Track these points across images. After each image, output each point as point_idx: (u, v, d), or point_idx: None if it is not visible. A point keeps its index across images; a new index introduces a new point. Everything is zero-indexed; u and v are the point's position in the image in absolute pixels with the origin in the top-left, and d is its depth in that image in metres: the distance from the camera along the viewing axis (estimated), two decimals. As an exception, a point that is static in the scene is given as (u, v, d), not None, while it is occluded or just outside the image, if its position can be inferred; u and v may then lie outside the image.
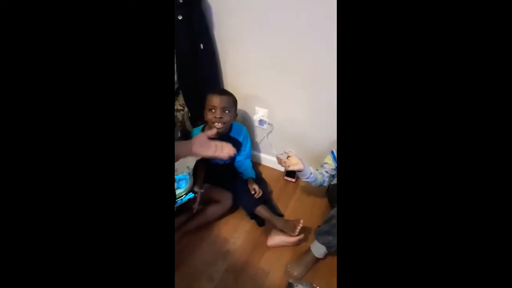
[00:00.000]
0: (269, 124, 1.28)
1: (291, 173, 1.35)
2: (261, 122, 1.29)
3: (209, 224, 1.10)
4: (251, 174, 1.19)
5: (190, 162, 1.10)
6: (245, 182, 1.15)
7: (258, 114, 1.28)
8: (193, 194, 1.04)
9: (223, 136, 1.16)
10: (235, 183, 1.14)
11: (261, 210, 1.07)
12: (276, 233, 1.04)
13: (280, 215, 1.13)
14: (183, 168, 1.07)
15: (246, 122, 1.33)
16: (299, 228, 0.98)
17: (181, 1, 0.97)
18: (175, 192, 0.97)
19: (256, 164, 1.41)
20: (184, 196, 1.04)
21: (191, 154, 0.75)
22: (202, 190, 1.07)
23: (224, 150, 0.78)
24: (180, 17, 1.00)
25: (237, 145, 1.21)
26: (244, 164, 1.23)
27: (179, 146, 0.73)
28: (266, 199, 1.14)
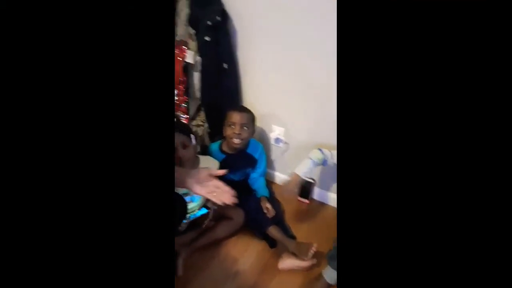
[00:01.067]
0: (285, 143, 1.29)
1: (305, 194, 1.32)
2: (277, 140, 1.30)
3: (220, 242, 1.08)
4: (265, 192, 1.18)
5: None
6: (258, 200, 1.13)
7: (275, 132, 1.29)
8: (206, 210, 1.04)
9: (240, 152, 1.17)
10: (247, 201, 1.13)
11: (273, 231, 1.05)
12: (287, 256, 1.00)
13: (293, 237, 1.09)
14: None
15: (263, 140, 1.34)
16: (312, 252, 0.94)
17: (210, 23, 1.03)
18: (177, 208, 0.96)
19: (270, 182, 1.40)
20: (197, 211, 1.04)
21: (183, 187, 0.67)
22: (216, 207, 1.07)
23: (223, 197, 0.68)
24: (207, 39, 1.06)
25: (252, 161, 1.21)
26: (257, 182, 1.22)
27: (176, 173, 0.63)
28: (279, 220, 1.12)
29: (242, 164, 1.19)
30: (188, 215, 1.01)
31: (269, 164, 1.39)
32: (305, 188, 1.31)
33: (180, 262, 0.96)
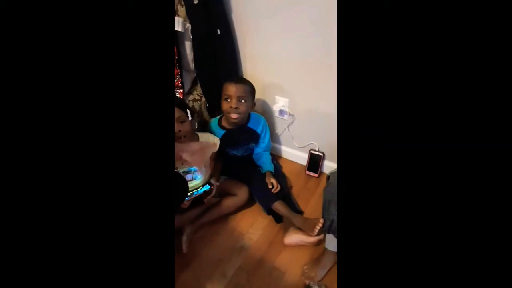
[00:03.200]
0: (290, 114, 1.20)
1: (314, 167, 1.26)
2: (281, 112, 1.21)
3: (225, 217, 1.07)
4: (270, 167, 1.13)
5: None
6: (263, 176, 1.09)
7: (279, 103, 1.20)
8: (209, 187, 1.01)
9: (241, 127, 1.10)
10: (252, 177, 1.09)
11: (279, 206, 1.01)
12: (294, 232, 0.97)
13: (300, 213, 1.05)
14: None
15: (266, 112, 1.26)
16: (318, 227, 0.90)
17: (196, -16, 0.92)
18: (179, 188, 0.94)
19: (276, 157, 1.35)
20: (200, 188, 1.02)
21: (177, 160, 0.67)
22: (218, 183, 1.04)
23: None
24: (195, 1, 0.95)
25: (255, 136, 1.15)
26: (262, 157, 1.17)
27: None
28: (285, 195, 1.07)
29: (243, 139, 1.13)
30: (191, 192, 0.99)
31: (274, 137, 1.33)
32: (314, 161, 1.25)
33: (184, 238, 0.96)
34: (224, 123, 1.12)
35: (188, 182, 1.03)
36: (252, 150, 1.18)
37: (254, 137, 1.15)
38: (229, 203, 1.05)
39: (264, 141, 1.17)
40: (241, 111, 1.02)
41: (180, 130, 0.91)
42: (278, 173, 1.18)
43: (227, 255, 0.96)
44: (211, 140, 1.05)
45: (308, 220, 0.95)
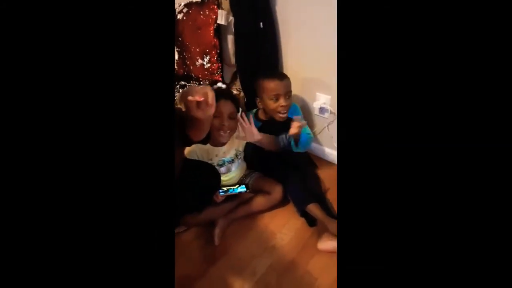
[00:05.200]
0: (331, 113, 1.13)
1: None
2: (322, 110, 1.15)
3: (257, 214, 1.05)
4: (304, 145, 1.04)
5: (237, 145, 1.06)
6: (299, 175, 1.05)
7: (319, 101, 1.14)
8: (246, 189, 1.00)
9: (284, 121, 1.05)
10: (287, 175, 1.06)
11: (314, 209, 0.96)
12: (328, 237, 0.92)
13: (335, 218, 0.99)
14: (230, 151, 1.04)
15: (303, 110, 1.21)
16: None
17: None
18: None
19: (314, 157, 1.29)
20: (236, 187, 1.01)
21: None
22: (249, 190, 1.02)
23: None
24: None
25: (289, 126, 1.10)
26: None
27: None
28: (321, 198, 1.02)
29: (282, 130, 1.09)
30: (226, 188, 0.99)
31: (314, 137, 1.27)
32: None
33: (217, 231, 0.97)
34: (261, 116, 1.09)
35: (223, 175, 1.04)
36: (289, 143, 1.14)
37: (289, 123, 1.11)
38: (262, 201, 1.03)
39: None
40: (288, 108, 1.00)
41: (226, 125, 0.91)
42: (314, 175, 1.12)
43: (258, 252, 0.94)
44: None
45: (345, 227, 0.89)
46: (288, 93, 0.98)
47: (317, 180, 1.13)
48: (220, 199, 0.98)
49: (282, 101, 0.97)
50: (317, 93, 1.13)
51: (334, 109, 1.12)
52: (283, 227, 1.02)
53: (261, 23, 1.00)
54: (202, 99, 0.51)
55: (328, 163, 1.28)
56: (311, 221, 0.99)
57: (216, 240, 0.96)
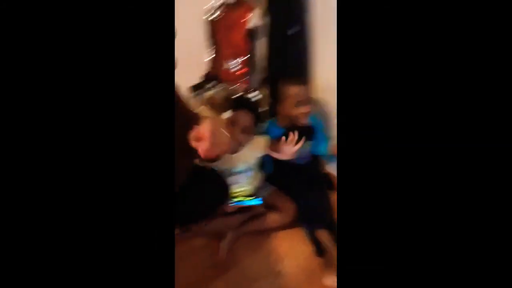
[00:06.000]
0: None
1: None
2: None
3: (268, 232, 0.99)
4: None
5: (249, 156, 0.98)
6: (316, 194, 0.98)
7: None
8: (260, 201, 0.95)
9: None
10: (303, 192, 0.98)
11: (324, 236, 0.88)
12: (334, 273, 0.83)
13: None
14: (241, 163, 0.97)
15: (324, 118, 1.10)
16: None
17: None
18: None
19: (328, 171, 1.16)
20: (250, 199, 0.96)
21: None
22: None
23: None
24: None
25: (310, 133, 1.02)
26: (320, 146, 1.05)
27: None
28: (332, 225, 0.91)
29: (300, 136, 1.00)
30: (238, 199, 0.95)
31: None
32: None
33: (224, 244, 0.94)
34: (281, 123, 1.02)
35: (237, 185, 0.99)
36: (307, 155, 1.05)
37: (310, 134, 1.02)
38: (273, 219, 0.96)
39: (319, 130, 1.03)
40: (309, 114, 0.94)
41: (237, 138, 0.87)
42: (327, 198, 1.02)
43: (262, 275, 0.88)
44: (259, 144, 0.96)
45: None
46: (310, 99, 0.93)
47: (328, 199, 1.02)
48: (230, 209, 0.95)
49: (307, 108, 0.92)
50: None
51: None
52: (292, 251, 0.94)
53: (295, 28, 0.91)
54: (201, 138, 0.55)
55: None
56: (320, 249, 0.90)
57: (222, 254, 0.93)
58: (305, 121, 0.94)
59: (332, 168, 1.13)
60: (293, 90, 0.92)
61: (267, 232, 0.99)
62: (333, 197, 1.05)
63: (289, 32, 0.92)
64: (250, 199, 0.95)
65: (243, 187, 1.01)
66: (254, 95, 1.02)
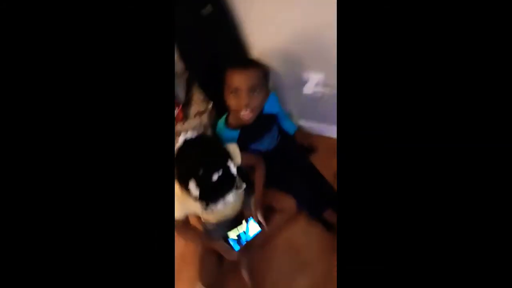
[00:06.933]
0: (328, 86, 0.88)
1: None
2: (315, 94, 0.90)
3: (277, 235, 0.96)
4: (293, 127, 1.01)
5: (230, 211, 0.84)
6: (309, 182, 0.93)
7: (311, 82, 0.87)
8: (260, 229, 0.82)
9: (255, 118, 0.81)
10: (296, 184, 0.92)
11: (330, 216, 0.89)
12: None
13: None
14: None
15: (290, 99, 0.95)
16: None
17: None
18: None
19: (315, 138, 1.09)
20: (246, 230, 0.82)
21: None
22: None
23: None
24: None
25: (273, 120, 0.90)
26: (284, 125, 1.00)
27: None
28: (334, 200, 0.91)
29: (262, 129, 0.89)
30: (237, 236, 0.82)
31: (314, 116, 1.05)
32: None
33: (244, 271, 0.89)
34: (232, 121, 0.84)
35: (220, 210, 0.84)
36: (276, 138, 0.95)
37: (272, 120, 0.91)
38: (277, 222, 0.92)
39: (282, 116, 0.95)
40: (255, 106, 0.74)
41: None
42: (319, 178, 0.97)
43: (290, 276, 0.91)
44: (231, 151, 0.74)
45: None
46: (254, 87, 0.71)
47: (326, 182, 0.98)
48: (235, 256, 0.84)
49: (242, 97, 0.71)
50: (306, 74, 0.85)
51: (330, 90, 0.87)
52: (304, 237, 0.95)
53: (208, 7, 0.61)
54: None
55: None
56: (328, 225, 0.92)
57: (247, 279, 0.89)
58: (247, 116, 0.76)
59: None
60: (229, 77, 0.71)
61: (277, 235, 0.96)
62: (321, 174, 1.00)
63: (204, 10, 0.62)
64: (247, 227, 0.82)
65: (228, 207, 0.87)
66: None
